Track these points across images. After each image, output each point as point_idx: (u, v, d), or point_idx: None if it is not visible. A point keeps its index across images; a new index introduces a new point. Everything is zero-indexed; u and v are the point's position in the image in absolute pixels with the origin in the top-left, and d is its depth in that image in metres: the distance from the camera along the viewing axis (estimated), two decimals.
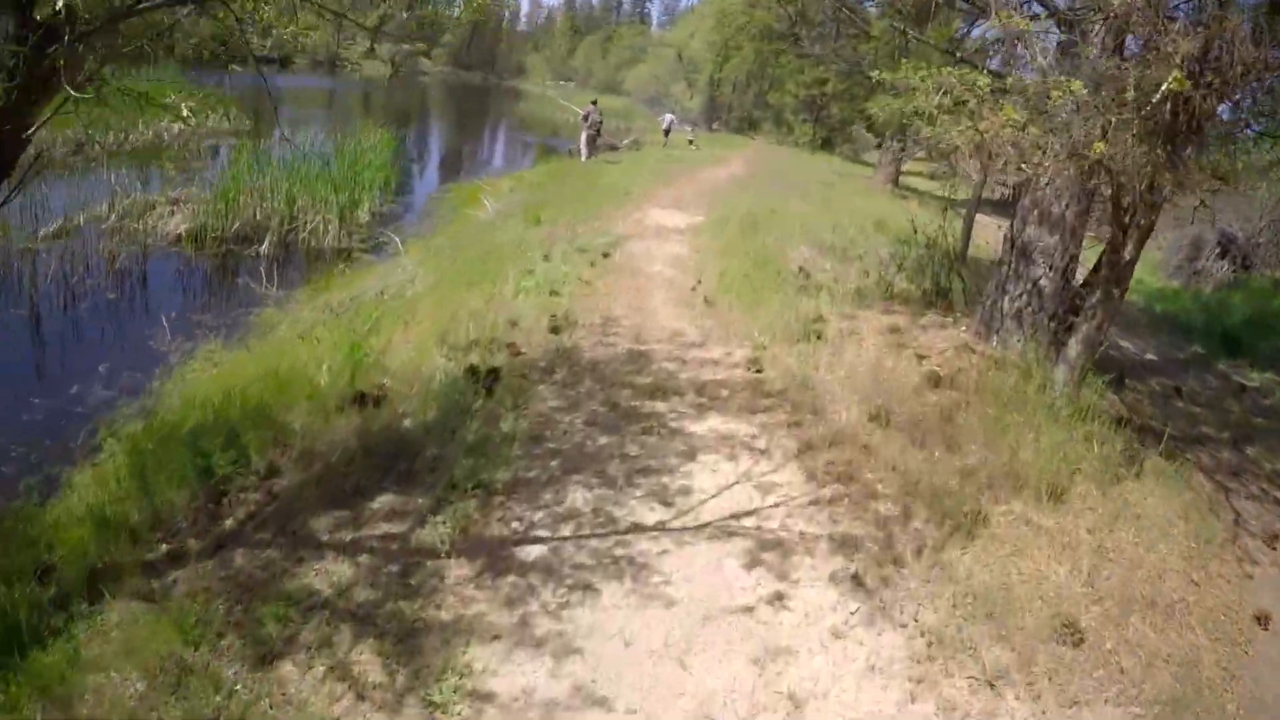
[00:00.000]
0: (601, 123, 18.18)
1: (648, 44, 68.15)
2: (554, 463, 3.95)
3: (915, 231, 8.03)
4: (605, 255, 8.03)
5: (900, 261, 8.03)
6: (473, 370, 4.71)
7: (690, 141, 24.31)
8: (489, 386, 4.57)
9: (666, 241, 9.09)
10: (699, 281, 7.29)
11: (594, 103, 18.40)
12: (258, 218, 9.64)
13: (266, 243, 9.38)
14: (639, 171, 15.75)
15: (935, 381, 5.09)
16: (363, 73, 74.53)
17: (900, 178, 21.03)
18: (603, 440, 4.21)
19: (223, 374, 5.13)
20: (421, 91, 60.01)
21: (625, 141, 25.39)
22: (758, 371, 5.26)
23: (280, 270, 8.73)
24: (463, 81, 75.93)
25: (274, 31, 2.82)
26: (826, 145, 32.59)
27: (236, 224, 9.44)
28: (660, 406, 4.66)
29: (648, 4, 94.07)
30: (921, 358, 5.54)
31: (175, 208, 9.55)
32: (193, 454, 3.65)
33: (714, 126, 40.50)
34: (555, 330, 5.66)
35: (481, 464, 3.80)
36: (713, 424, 4.51)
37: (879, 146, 30.65)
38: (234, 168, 10.38)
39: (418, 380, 4.57)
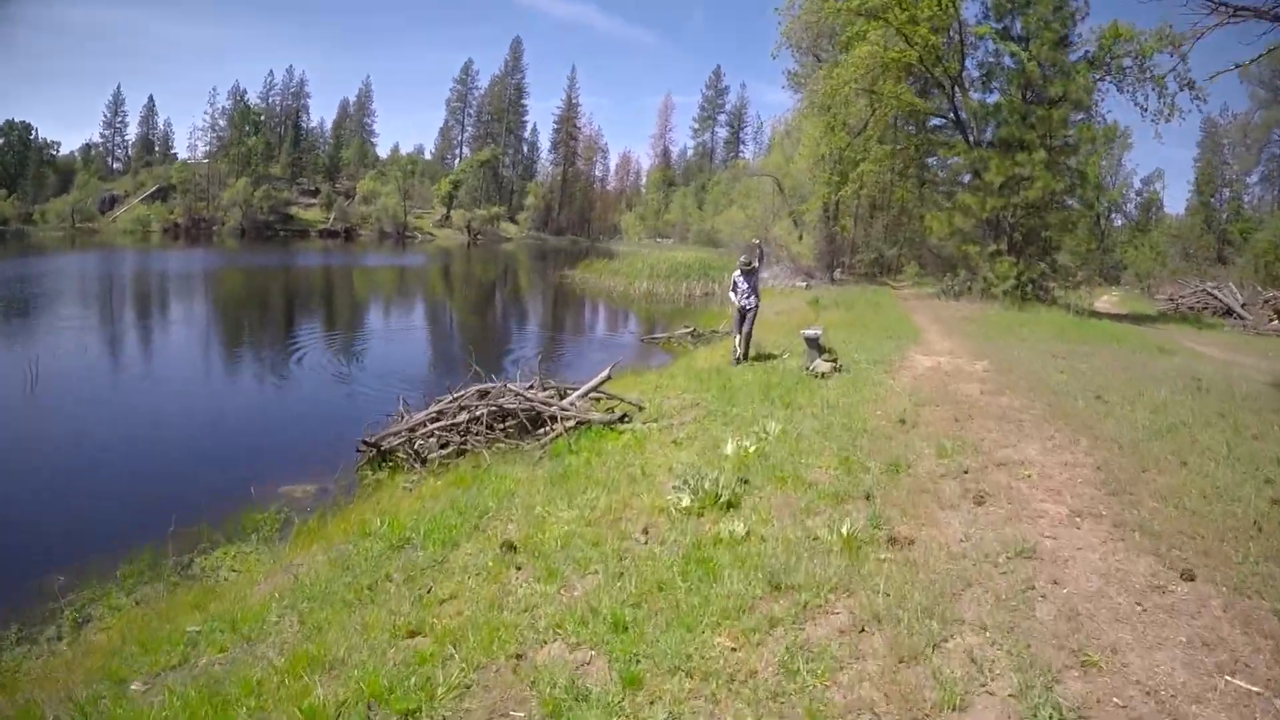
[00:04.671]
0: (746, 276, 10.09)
1: (741, 179, 52.20)
2: None
3: None
4: None
5: None
6: None
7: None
8: None
9: None
10: None
11: (746, 260, 10.23)
12: None
13: None
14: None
15: None
16: (436, 243, 64.98)
17: None
18: None
19: None
20: (504, 259, 49.75)
21: (679, 331, 15.74)
22: None
23: None
24: (550, 246, 67.98)
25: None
26: (1031, 292, 20.06)
27: None
28: None
29: (741, 147, 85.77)
30: None
31: None
32: None
33: (836, 275, 29.55)
34: None
35: None
36: None
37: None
38: None
39: None
